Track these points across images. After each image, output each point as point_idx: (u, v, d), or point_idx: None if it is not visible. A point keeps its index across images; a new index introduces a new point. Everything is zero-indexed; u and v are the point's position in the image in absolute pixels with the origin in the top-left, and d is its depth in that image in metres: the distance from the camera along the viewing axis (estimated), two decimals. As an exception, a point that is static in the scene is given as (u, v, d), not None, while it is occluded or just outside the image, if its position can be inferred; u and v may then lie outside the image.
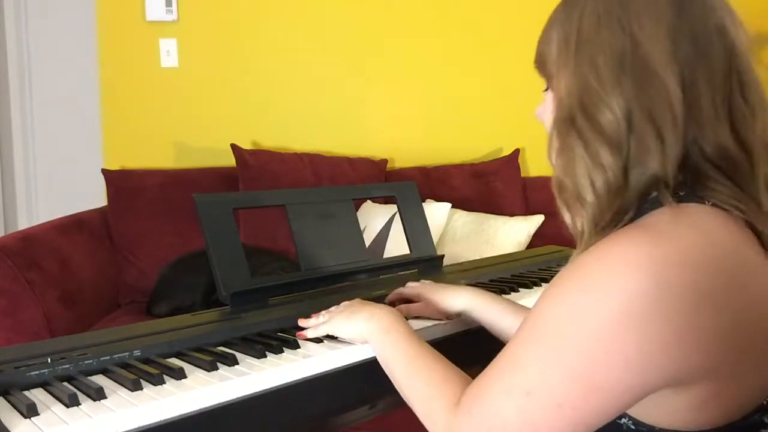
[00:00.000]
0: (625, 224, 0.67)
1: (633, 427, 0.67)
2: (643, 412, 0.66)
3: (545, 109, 0.78)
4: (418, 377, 0.80)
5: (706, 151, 0.67)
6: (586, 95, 0.69)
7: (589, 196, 0.68)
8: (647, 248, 0.60)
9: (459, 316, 1.10)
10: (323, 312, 1.03)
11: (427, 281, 1.20)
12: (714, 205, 0.65)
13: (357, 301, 1.02)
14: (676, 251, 0.60)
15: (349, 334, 0.96)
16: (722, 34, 0.68)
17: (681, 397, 0.63)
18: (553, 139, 0.73)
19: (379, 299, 1.09)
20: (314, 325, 1.01)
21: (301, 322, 1.04)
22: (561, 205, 0.73)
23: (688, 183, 0.67)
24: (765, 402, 0.64)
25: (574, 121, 0.70)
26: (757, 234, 0.66)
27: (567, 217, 0.73)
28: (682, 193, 0.66)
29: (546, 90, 0.78)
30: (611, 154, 0.67)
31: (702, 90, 0.66)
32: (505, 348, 0.68)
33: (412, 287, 1.17)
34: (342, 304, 1.02)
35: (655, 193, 0.67)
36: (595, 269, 0.62)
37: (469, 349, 1.05)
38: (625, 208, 0.68)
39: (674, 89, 0.65)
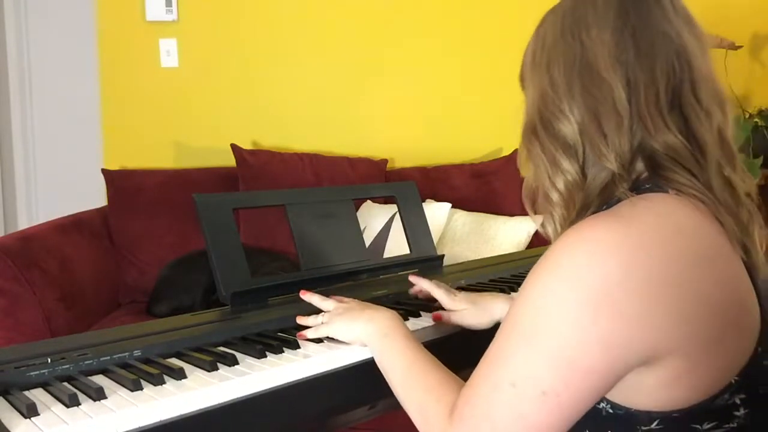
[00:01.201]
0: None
1: (611, 410, 0.69)
2: (619, 395, 0.68)
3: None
4: (414, 384, 0.81)
5: (656, 149, 0.70)
6: (543, 104, 0.75)
7: (555, 196, 0.75)
8: (613, 231, 0.64)
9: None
10: (321, 308, 1.03)
11: (458, 292, 1.13)
12: (678, 192, 0.68)
13: (355, 302, 1.02)
14: (642, 233, 0.64)
15: (349, 338, 0.96)
16: (668, 39, 0.72)
17: (653, 376, 0.65)
18: (521, 149, 0.80)
19: (378, 299, 1.09)
20: (314, 325, 1.01)
21: (300, 320, 1.04)
22: (530, 211, 0.79)
23: (651, 176, 0.71)
24: (733, 381, 0.66)
25: (535, 130, 0.76)
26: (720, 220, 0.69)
27: (537, 222, 0.79)
28: (647, 186, 0.70)
29: None
30: (568, 158, 0.73)
31: (644, 91, 0.70)
32: (489, 346, 0.70)
33: (443, 289, 1.11)
34: (340, 304, 1.02)
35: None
36: (564, 254, 0.65)
37: (467, 350, 1.05)
38: (588, 203, 0.73)
39: (618, 91, 0.70)
